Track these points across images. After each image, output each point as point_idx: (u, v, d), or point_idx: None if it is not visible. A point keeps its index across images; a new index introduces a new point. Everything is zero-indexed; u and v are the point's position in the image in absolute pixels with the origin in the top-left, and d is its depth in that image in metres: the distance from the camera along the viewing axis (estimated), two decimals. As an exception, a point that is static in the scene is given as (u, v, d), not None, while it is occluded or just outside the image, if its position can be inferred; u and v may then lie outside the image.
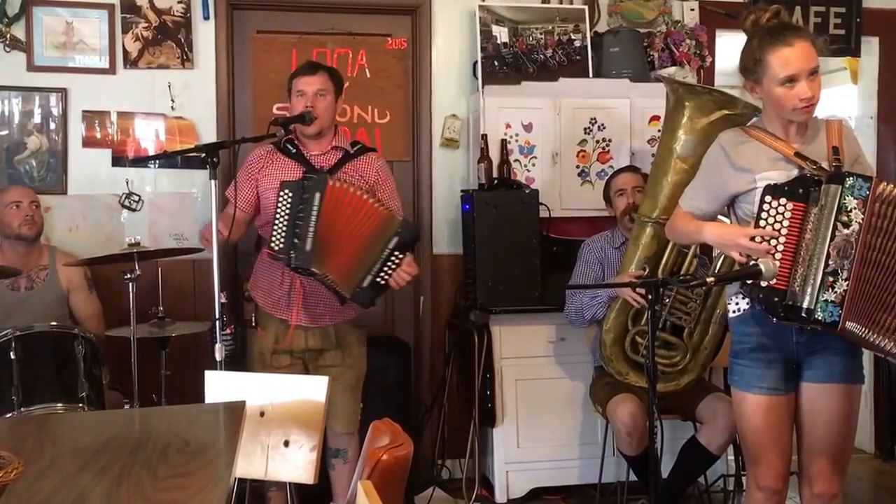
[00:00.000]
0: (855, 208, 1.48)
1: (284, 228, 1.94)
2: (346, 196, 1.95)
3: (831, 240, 1.49)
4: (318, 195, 1.92)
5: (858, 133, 1.85)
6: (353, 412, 2.12)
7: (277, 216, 1.95)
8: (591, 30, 2.79)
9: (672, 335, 2.21)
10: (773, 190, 1.54)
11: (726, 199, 1.66)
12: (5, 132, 2.59)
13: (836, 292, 1.48)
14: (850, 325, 1.48)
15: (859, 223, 1.48)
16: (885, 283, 1.47)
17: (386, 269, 1.97)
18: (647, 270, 2.20)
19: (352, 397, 2.12)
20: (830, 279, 1.48)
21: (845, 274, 1.48)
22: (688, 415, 2.32)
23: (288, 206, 1.94)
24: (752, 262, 1.53)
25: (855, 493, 2.71)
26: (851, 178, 1.50)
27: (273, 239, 1.95)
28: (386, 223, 1.97)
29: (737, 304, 1.65)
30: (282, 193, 1.95)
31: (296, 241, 1.91)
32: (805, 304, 1.49)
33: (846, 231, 1.48)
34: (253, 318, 2.08)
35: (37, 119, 2.60)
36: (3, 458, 0.80)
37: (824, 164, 1.56)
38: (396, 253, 1.96)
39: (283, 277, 2.04)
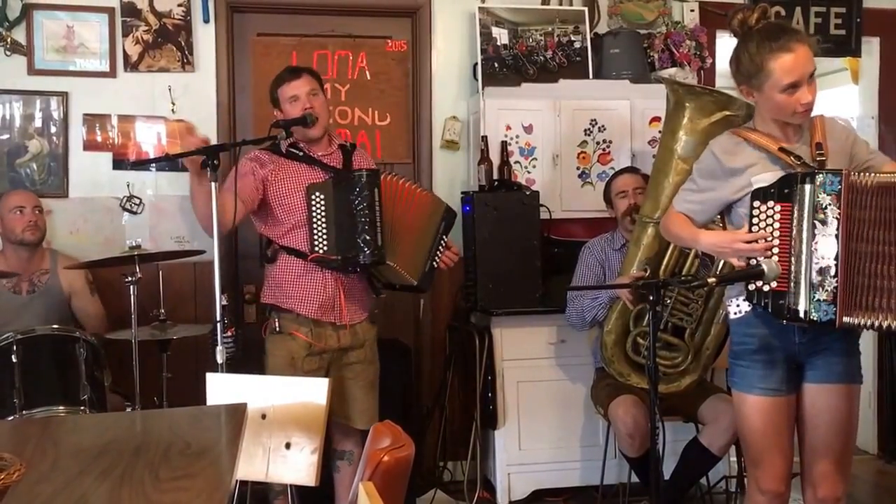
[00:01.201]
0: (830, 205, 1.48)
1: (325, 230, 1.94)
2: (397, 188, 2.03)
3: (812, 239, 1.49)
4: (376, 191, 1.95)
5: (860, 133, 1.84)
6: (374, 408, 2.13)
7: (316, 220, 1.94)
8: (590, 31, 2.79)
9: (673, 336, 2.21)
10: (761, 194, 1.54)
11: (721, 206, 1.66)
12: (6, 136, 2.59)
13: (826, 290, 1.48)
14: (846, 319, 1.48)
15: (837, 218, 1.48)
16: (875, 270, 1.47)
17: (439, 252, 2.07)
18: (649, 271, 2.20)
19: (373, 393, 2.14)
20: (819, 278, 1.49)
21: (833, 271, 1.48)
22: (689, 416, 2.32)
23: (323, 208, 1.94)
24: (753, 263, 1.53)
25: (857, 493, 2.70)
26: (822, 175, 1.50)
27: (316, 243, 1.95)
28: (435, 207, 2.08)
29: (737, 305, 1.64)
30: (314, 196, 1.95)
31: (367, 237, 1.92)
32: (801, 307, 1.50)
33: (825, 228, 1.48)
34: (276, 325, 2.04)
35: (38, 122, 2.60)
36: (4, 459, 0.80)
37: (810, 162, 1.56)
38: (444, 235, 2.07)
39: (325, 280, 2.02)
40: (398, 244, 2.01)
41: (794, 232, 1.51)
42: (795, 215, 1.51)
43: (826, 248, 1.48)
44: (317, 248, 1.94)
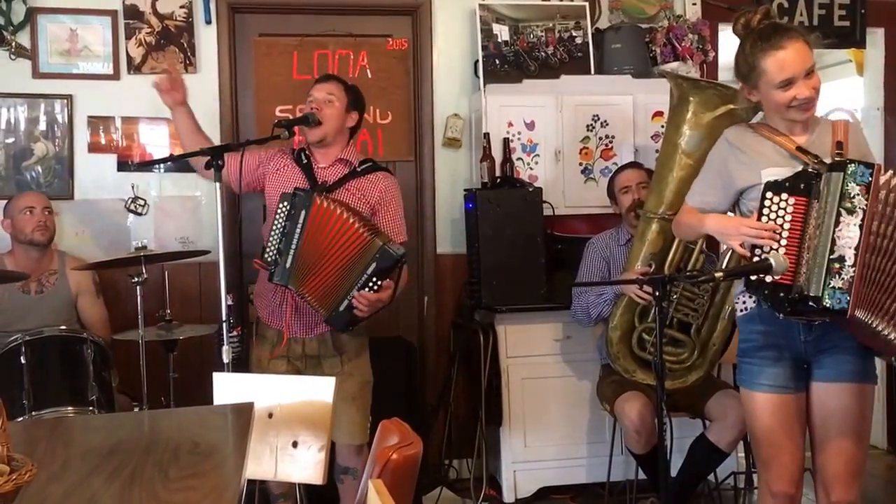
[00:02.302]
0: (858, 194, 1.48)
1: (278, 239, 1.94)
2: (331, 217, 1.90)
3: (835, 226, 1.48)
4: (303, 213, 1.90)
5: (865, 125, 1.84)
6: (357, 423, 2.02)
7: (274, 227, 1.95)
8: (592, 26, 2.79)
9: (679, 332, 2.20)
10: (775, 186, 1.53)
11: (734, 195, 1.65)
12: (12, 139, 2.60)
13: (843, 279, 1.47)
14: (858, 312, 1.47)
15: (863, 209, 1.47)
16: (891, 270, 1.46)
17: (363, 292, 1.90)
18: (654, 267, 2.19)
19: (353, 407, 2.02)
20: (837, 266, 1.47)
21: (851, 260, 1.47)
22: (696, 412, 2.31)
23: (284, 217, 1.94)
24: (762, 257, 1.52)
25: (867, 488, 2.67)
26: (853, 165, 1.50)
27: (267, 249, 1.96)
28: (366, 248, 1.90)
29: (744, 302, 1.63)
30: (281, 205, 1.95)
31: (278, 256, 1.92)
32: (812, 292, 1.48)
33: (850, 217, 1.48)
34: (256, 328, 2.09)
35: (42, 126, 2.61)
36: (16, 460, 0.81)
37: (827, 160, 1.55)
38: (375, 279, 1.90)
39: (276, 288, 2.02)
40: (312, 274, 1.90)
41: (814, 220, 1.49)
42: (816, 206, 1.50)
43: (849, 236, 1.47)
44: (266, 255, 1.95)
